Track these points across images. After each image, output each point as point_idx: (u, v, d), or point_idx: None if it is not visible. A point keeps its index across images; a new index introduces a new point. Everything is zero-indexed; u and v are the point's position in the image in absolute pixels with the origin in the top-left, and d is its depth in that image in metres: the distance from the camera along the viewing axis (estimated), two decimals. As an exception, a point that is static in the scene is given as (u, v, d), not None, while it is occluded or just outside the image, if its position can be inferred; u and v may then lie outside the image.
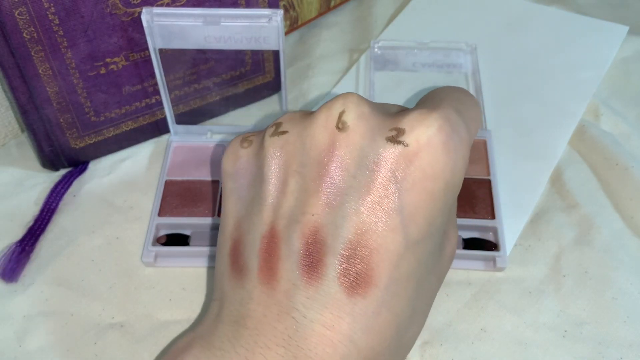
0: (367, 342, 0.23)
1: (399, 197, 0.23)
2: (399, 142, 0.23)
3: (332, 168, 0.23)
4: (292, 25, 0.47)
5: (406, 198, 0.23)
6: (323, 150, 0.24)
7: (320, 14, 0.49)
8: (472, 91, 0.41)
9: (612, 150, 0.38)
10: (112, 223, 0.36)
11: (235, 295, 0.24)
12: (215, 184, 0.36)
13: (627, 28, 0.46)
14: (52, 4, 0.32)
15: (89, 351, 0.31)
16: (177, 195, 0.36)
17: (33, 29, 0.32)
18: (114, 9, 0.33)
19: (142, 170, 0.39)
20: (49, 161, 0.38)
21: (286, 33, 0.47)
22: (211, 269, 0.34)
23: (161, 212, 0.35)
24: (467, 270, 0.33)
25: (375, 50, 0.40)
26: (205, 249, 0.34)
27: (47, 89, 0.34)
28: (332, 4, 0.49)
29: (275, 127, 0.25)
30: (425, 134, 0.23)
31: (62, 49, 0.33)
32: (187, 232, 0.35)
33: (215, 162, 0.38)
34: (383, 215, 0.23)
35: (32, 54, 0.33)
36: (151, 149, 0.40)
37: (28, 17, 0.31)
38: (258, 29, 0.33)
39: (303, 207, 0.23)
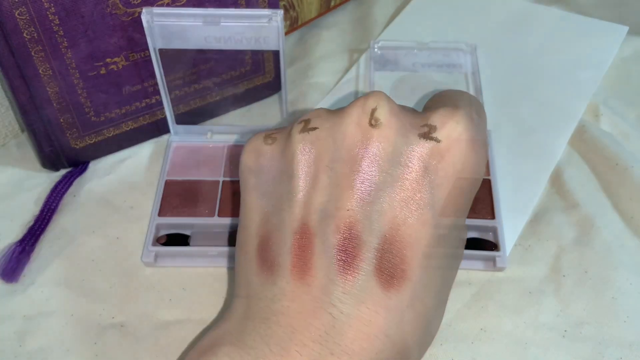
0: (401, 336, 0.23)
1: (430, 192, 0.24)
2: (431, 138, 0.24)
3: (366, 164, 0.24)
4: (292, 25, 0.47)
5: (437, 193, 0.24)
6: (356, 147, 0.24)
7: (320, 14, 0.49)
8: (472, 91, 0.41)
9: (612, 150, 0.38)
10: (112, 223, 0.36)
11: (265, 292, 0.24)
12: (215, 184, 0.36)
13: (626, 28, 0.46)
14: (52, 4, 0.32)
15: (89, 351, 0.31)
16: (177, 195, 0.36)
17: (33, 29, 0.32)
18: (114, 9, 0.33)
19: (142, 170, 0.39)
20: (49, 161, 0.38)
21: (286, 33, 0.47)
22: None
23: (161, 212, 0.35)
24: (467, 270, 0.33)
25: (375, 50, 0.40)
26: (206, 249, 0.34)
27: (47, 89, 0.34)
28: (332, 4, 0.49)
29: (303, 123, 0.25)
30: (456, 131, 0.24)
31: (62, 49, 0.33)
32: (187, 232, 0.35)
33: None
34: (416, 210, 0.23)
35: (33, 54, 0.33)
36: (151, 149, 0.40)
37: (28, 17, 0.31)
38: (258, 29, 0.33)
39: (337, 202, 0.23)
